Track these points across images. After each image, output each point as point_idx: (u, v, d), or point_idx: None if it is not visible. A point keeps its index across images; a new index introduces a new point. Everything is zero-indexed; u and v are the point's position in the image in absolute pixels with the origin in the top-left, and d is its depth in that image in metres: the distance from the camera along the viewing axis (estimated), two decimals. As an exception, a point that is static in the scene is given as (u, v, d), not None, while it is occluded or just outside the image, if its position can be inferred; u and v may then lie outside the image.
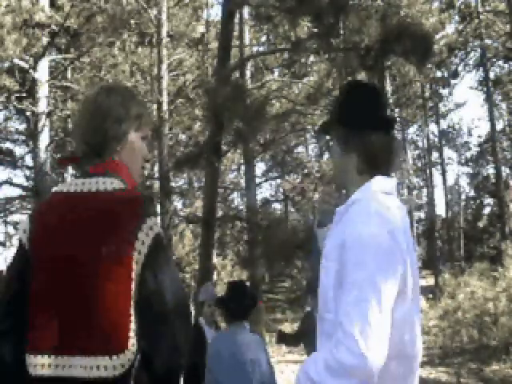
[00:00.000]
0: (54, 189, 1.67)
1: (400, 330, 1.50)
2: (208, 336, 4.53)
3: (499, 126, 27.07)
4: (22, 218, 17.65)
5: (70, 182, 1.63)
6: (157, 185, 14.68)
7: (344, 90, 1.83)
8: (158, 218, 15.43)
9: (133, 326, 1.42)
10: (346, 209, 1.62)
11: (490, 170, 28.75)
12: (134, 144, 1.65)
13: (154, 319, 1.43)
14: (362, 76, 11.73)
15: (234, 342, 3.56)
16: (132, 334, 1.42)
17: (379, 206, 1.55)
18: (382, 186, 1.63)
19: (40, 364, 1.43)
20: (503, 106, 28.18)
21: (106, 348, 1.40)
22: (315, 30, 6.50)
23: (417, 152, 33.58)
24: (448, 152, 35.32)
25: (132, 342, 1.41)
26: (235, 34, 10.23)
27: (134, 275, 1.42)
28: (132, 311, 1.42)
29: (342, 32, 7.03)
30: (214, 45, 12.89)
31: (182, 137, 17.57)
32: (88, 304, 1.42)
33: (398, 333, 1.48)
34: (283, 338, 6.26)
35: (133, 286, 1.42)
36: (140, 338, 1.43)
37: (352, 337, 1.36)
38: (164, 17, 12.21)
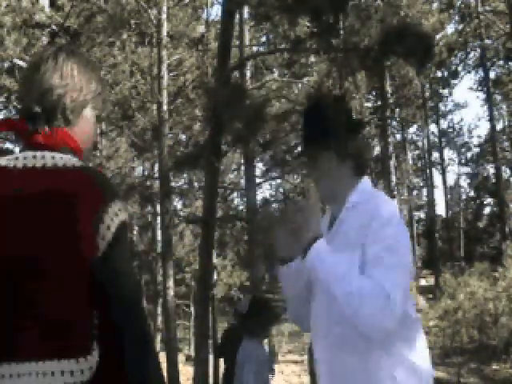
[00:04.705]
0: None
1: None
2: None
3: (499, 126, 27.10)
4: None
5: (15, 155, 1.34)
6: (157, 185, 14.67)
7: (323, 104, 1.96)
8: (158, 218, 15.42)
9: (95, 322, 1.27)
10: (349, 209, 1.77)
11: (490, 170, 28.77)
12: (88, 121, 1.43)
13: (112, 314, 1.28)
14: (362, 76, 11.73)
15: (246, 359, 3.66)
16: (95, 332, 1.27)
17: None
18: (370, 184, 1.86)
19: None
20: (503, 106, 28.18)
21: (70, 350, 1.23)
22: (315, 29, 6.49)
23: (417, 152, 33.56)
24: (448, 152, 35.36)
25: (95, 342, 1.26)
26: (235, 33, 10.21)
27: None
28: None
29: (342, 32, 7.03)
30: (214, 45, 12.87)
31: (182, 137, 17.56)
32: (45, 301, 1.24)
33: None
34: None
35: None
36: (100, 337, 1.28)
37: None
38: (164, 17, 12.20)
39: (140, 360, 1.30)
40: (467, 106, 31.42)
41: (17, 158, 1.32)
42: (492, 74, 25.03)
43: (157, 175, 14.49)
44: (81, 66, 1.41)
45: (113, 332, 1.27)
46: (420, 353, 1.71)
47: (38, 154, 1.31)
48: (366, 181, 1.83)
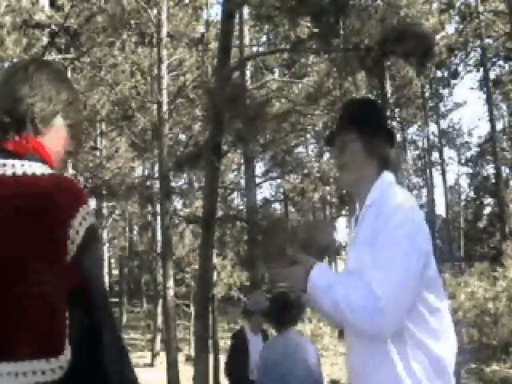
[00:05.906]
0: None
1: None
2: (254, 343, 4.76)
3: (499, 125, 27.13)
4: None
5: None
6: (157, 185, 14.68)
7: (365, 104, 2.05)
8: (158, 218, 15.42)
9: (68, 322, 1.29)
10: (367, 207, 1.81)
11: (490, 170, 28.78)
12: (59, 130, 1.47)
13: (83, 314, 1.31)
14: (362, 76, 11.72)
15: (283, 348, 3.82)
16: (67, 331, 1.29)
17: (403, 191, 1.82)
18: (391, 178, 1.86)
19: None
20: (503, 106, 28.19)
21: (41, 350, 1.25)
22: (315, 29, 6.49)
23: (417, 152, 33.58)
24: (448, 152, 35.36)
25: (67, 341, 1.28)
26: (235, 34, 10.22)
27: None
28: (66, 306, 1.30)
29: (342, 32, 7.03)
30: (214, 45, 12.87)
31: (182, 137, 17.56)
32: (22, 304, 1.26)
33: None
34: None
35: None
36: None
37: None
38: (164, 17, 12.20)
39: (118, 360, 1.35)
40: (467, 105, 31.44)
41: None
42: (492, 74, 25.03)
43: (157, 175, 14.50)
44: (51, 77, 1.46)
45: (88, 333, 1.31)
46: (442, 339, 1.71)
47: (8, 162, 1.35)
48: (383, 177, 1.84)
